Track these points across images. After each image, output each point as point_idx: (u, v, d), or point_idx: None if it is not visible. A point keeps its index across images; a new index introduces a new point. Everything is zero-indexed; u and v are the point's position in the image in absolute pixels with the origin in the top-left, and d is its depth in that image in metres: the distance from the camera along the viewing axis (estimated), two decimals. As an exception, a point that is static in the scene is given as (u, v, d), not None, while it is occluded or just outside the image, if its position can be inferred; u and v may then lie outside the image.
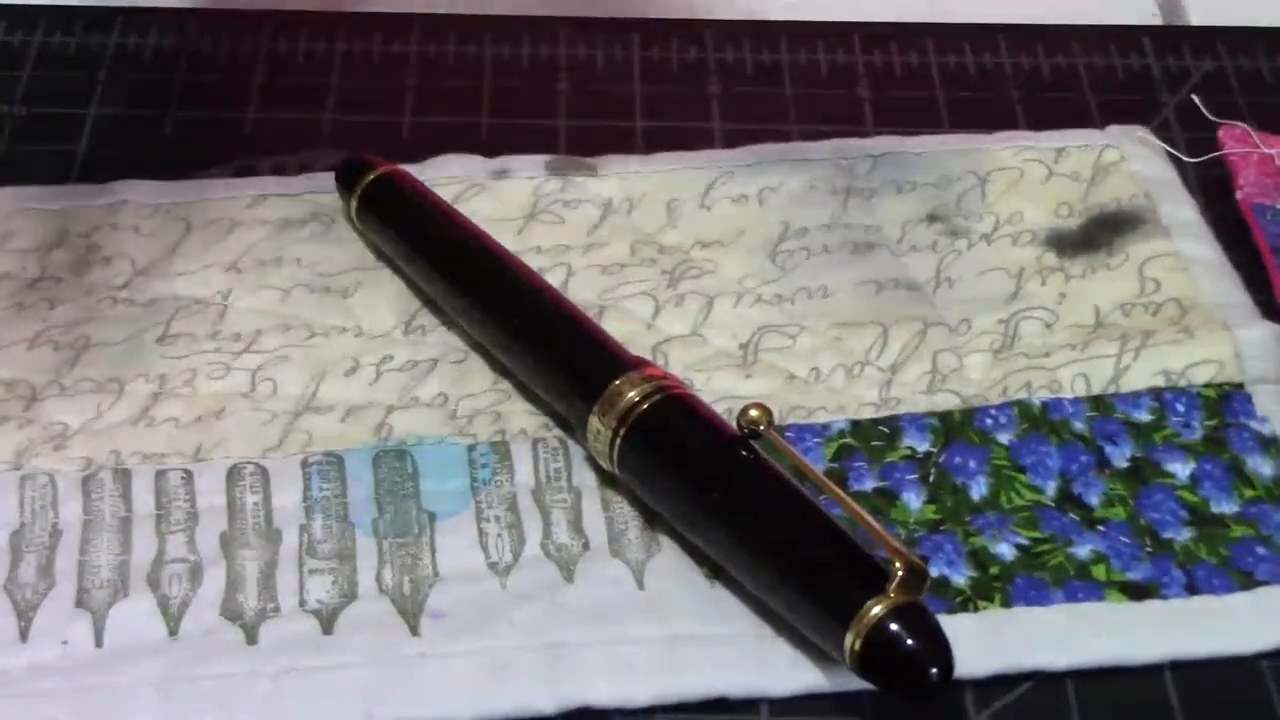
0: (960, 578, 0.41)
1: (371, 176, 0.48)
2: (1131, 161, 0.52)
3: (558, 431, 0.44)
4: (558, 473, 0.43)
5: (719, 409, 0.43)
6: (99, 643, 0.39)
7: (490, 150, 0.51)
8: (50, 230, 0.49)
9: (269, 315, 0.47)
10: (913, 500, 0.43)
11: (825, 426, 0.44)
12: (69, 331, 0.46)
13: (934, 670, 0.37)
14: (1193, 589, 0.41)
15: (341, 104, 0.53)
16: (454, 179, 0.50)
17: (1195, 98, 0.54)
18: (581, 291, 0.47)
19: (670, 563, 0.41)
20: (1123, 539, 0.42)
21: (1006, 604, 0.40)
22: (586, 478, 0.43)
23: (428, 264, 0.47)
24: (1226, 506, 0.43)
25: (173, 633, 0.40)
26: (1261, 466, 0.43)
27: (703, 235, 0.49)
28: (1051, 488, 0.43)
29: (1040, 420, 0.44)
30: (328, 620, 0.40)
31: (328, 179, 0.50)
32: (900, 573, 0.37)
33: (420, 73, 0.55)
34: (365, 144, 0.51)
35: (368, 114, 0.53)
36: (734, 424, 0.41)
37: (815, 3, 0.58)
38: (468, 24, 0.57)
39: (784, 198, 0.50)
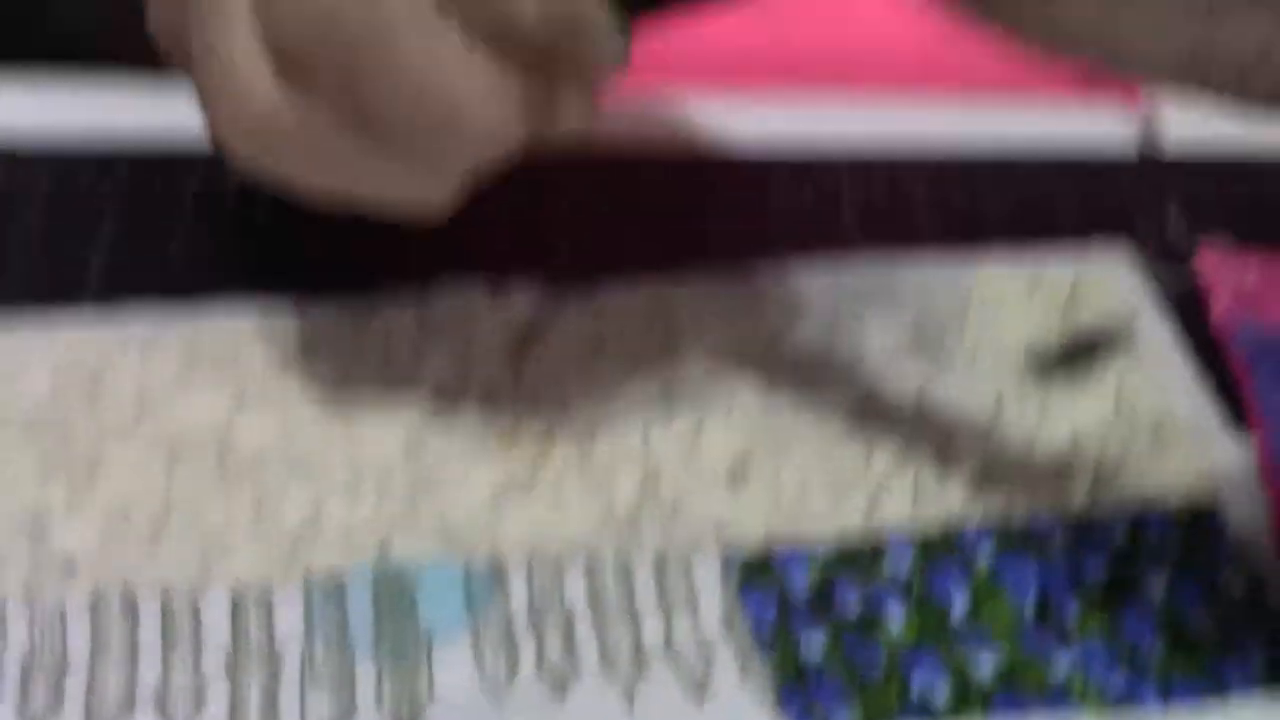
0: (941, 694, 0.42)
1: None
2: (1109, 283, 0.53)
3: (553, 552, 0.45)
4: (551, 593, 0.45)
5: (707, 530, 0.44)
6: (107, 764, 0.41)
7: (490, 271, 0.53)
8: (59, 364, 0.50)
9: (273, 440, 0.48)
10: (896, 618, 0.44)
11: (812, 547, 0.46)
12: (79, 461, 0.47)
13: None
14: (1169, 702, 0.42)
15: (344, 233, 0.55)
16: (451, 298, 0.52)
17: (1172, 220, 0.56)
18: (576, 415, 0.49)
19: (660, 686, 0.43)
20: (1100, 655, 0.43)
21: (987, 720, 0.42)
22: (579, 599, 0.44)
23: None
24: (1200, 622, 0.44)
25: (178, 754, 0.41)
26: (1233, 582, 0.45)
27: (693, 357, 0.51)
28: (1030, 605, 0.44)
29: (1019, 539, 0.46)
30: (328, 741, 0.41)
31: (330, 304, 0.51)
32: None
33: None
34: (370, 271, 0.52)
35: (372, 237, 0.54)
36: None
37: (805, 137, 0.59)
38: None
39: (770, 323, 0.52)
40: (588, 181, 0.57)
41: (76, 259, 0.53)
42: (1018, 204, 0.57)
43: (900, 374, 0.50)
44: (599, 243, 0.55)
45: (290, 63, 0.43)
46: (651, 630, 0.44)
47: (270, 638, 0.43)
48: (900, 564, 0.45)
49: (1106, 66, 0.39)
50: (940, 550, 0.45)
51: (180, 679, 0.42)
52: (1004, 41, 0.39)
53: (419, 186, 0.45)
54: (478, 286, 0.52)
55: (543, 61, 0.42)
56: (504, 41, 0.42)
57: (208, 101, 0.45)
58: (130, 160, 0.56)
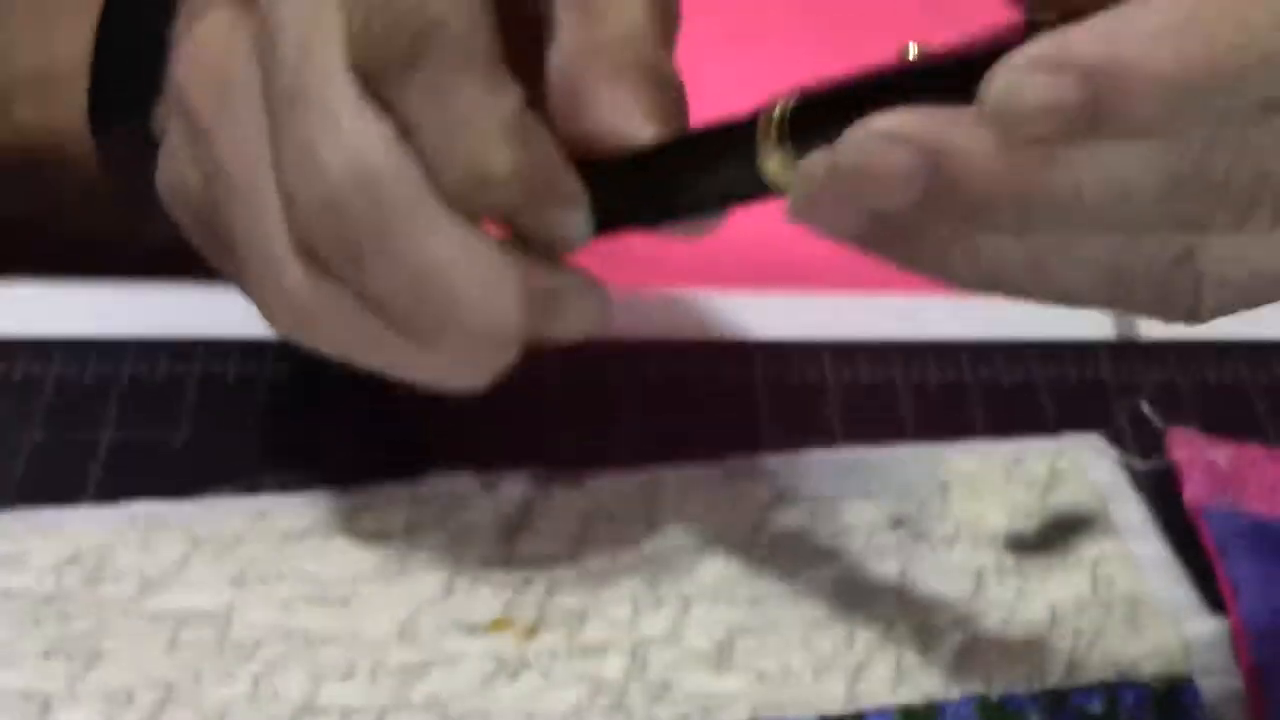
0: None
1: None
2: (1085, 467, 0.55)
3: (543, 731, 0.47)
4: (542, 769, 0.46)
5: (694, 708, 0.45)
6: None
7: (479, 464, 0.54)
8: (64, 548, 0.51)
9: (271, 625, 0.49)
10: (878, 790, 0.45)
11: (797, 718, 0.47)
12: (81, 642, 0.48)
13: None
14: None
15: (343, 422, 0.56)
16: (443, 486, 0.53)
17: (1145, 406, 0.58)
18: (565, 597, 0.50)
19: None
20: (1078, 824, 0.44)
21: None
22: (569, 773, 0.46)
23: None
24: (1175, 792, 0.45)
25: None
26: (1208, 753, 0.46)
27: (680, 540, 0.52)
28: (1009, 776, 0.46)
29: (998, 713, 0.47)
30: None
31: (327, 492, 0.53)
32: None
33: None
34: (365, 459, 0.54)
35: (368, 426, 0.56)
36: None
37: (789, 323, 0.61)
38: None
39: (755, 506, 0.53)
40: (575, 369, 0.59)
41: (81, 446, 0.55)
42: (996, 387, 0.59)
43: (881, 555, 0.52)
44: (586, 429, 0.57)
45: (309, 251, 0.45)
46: (640, 804, 0.45)
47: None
48: (882, 736, 0.46)
49: (1032, 300, 0.40)
50: (922, 723, 0.47)
51: None
52: (929, 281, 0.41)
53: (442, 367, 0.46)
54: (468, 474, 0.54)
55: (512, 225, 0.44)
56: (478, 199, 0.44)
57: (249, 285, 0.47)
58: (136, 346, 0.58)
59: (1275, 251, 0.39)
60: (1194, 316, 0.40)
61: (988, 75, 0.37)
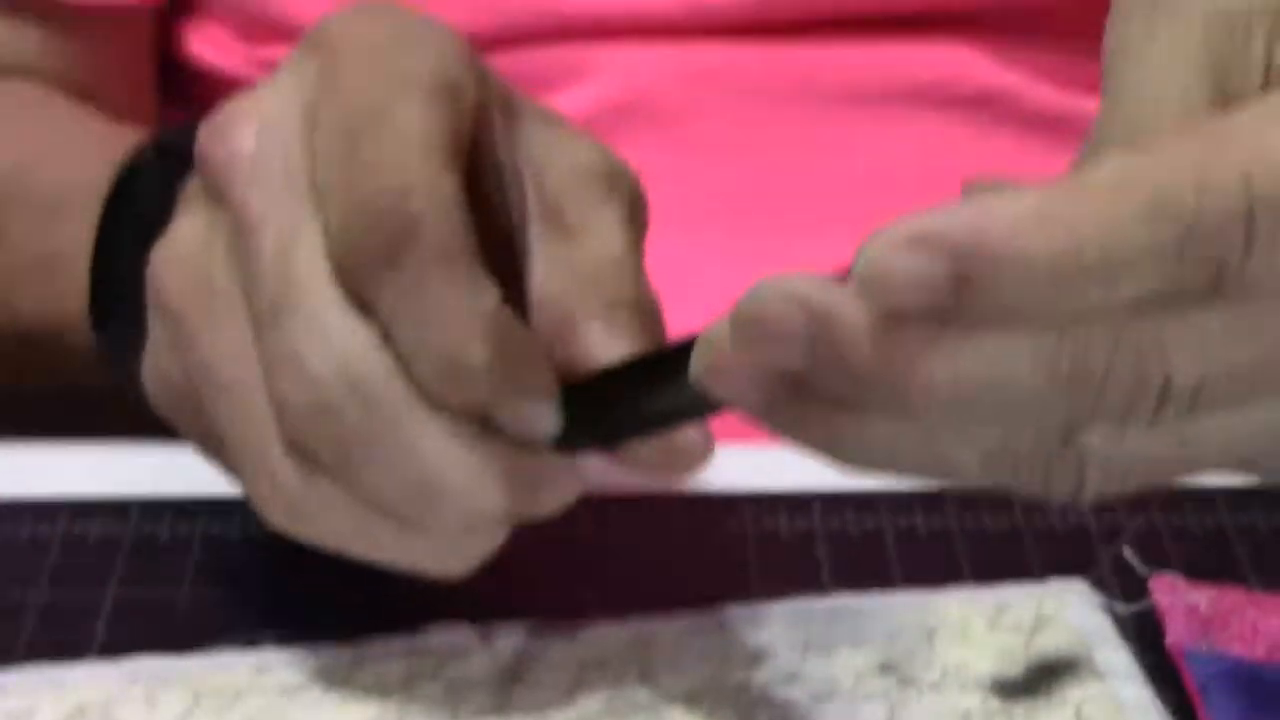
0: None
1: None
2: (1069, 612, 0.56)
3: None
4: None
5: None
6: None
7: (474, 617, 0.55)
8: (69, 704, 0.52)
9: (272, 777, 0.50)
10: None
11: None
12: (86, 796, 0.49)
13: None
14: None
15: (341, 577, 0.57)
16: (439, 647, 0.54)
17: (1128, 551, 0.59)
18: (560, 746, 0.51)
19: None
20: None
21: None
22: None
23: None
24: None
25: None
26: None
27: (673, 691, 0.53)
28: None
29: None
30: None
31: (326, 647, 0.54)
32: None
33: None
34: (363, 615, 0.55)
35: (368, 586, 0.57)
36: None
37: (778, 474, 0.62)
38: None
39: (746, 654, 0.54)
40: (566, 522, 0.60)
41: (87, 604, 0.56)
42: (982, 535, 0.60)
43: (870, 700, 0.53)
44: (579, 581, 0.58)
45: (300, 450, 0.46)
46: None
47: None
48: None
49: (923, 479, 0.41)
50: None
51: None
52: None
53: (432, 554, 0.48)
54: (465, 627, 0.55)
55: (486, 419, 0.46)
56: (453, 391, 0.45)
57: (241, 479, 0.48)
58: (140, 506, 0.60)
59: (1156, 443, 0.40)
60: (1078, 498, 0.40)
61: (861, 248, 0.37)
